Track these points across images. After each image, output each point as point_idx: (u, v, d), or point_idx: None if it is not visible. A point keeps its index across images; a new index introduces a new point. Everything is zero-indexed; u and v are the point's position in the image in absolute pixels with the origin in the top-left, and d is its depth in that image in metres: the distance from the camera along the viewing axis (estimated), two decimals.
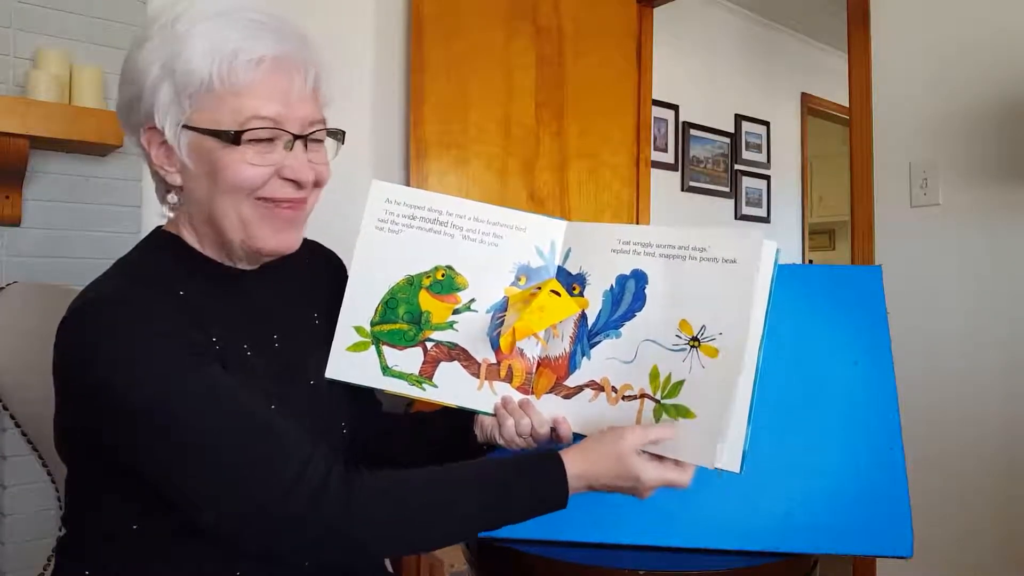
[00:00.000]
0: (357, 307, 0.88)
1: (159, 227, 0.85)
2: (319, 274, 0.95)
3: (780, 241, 0.83)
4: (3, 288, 1.05)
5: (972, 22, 1.87)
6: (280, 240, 0.81)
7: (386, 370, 0.87)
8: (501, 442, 0.87)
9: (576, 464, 0.76)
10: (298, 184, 0.80)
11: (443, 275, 0.87)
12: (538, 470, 0.76)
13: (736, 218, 3.80)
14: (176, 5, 0.76)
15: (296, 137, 0.78)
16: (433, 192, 0.89)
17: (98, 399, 0.70)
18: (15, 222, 1.65)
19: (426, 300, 0.87)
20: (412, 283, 0.87)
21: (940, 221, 1.93)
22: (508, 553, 0.92)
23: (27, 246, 1.68)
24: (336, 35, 2.30)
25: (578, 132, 2.62)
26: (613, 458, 0.77)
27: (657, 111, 3.21)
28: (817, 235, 5.66)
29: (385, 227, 0.88)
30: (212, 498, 0.69)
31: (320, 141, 0.82)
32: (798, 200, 4.19)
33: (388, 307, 0.87)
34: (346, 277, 0.95)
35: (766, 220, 3.94)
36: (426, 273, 0.87)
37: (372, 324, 0.87)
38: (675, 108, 3.51)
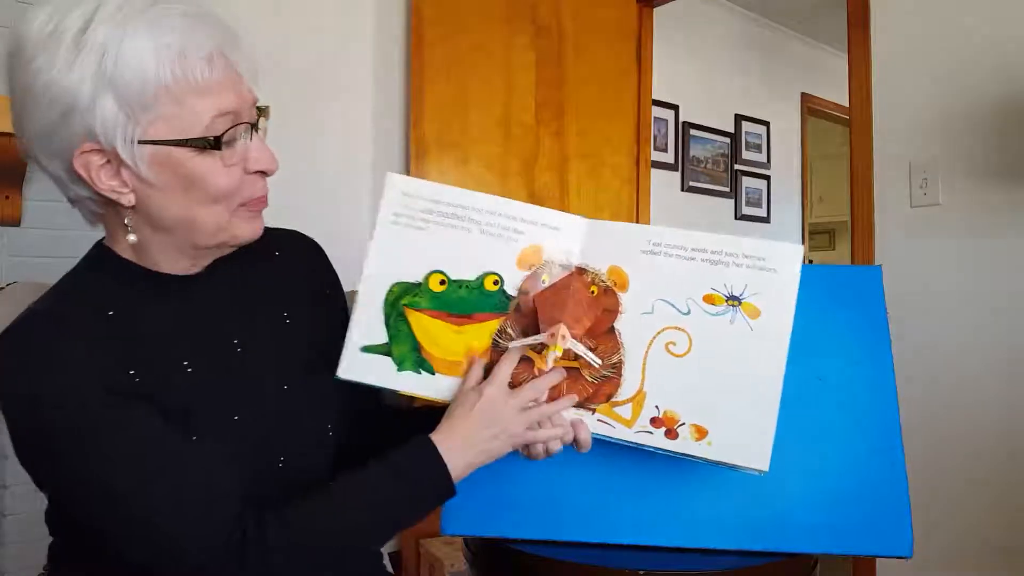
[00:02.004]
0: (372, 304, 0.84)
1: (101, 240, 0.80)
2: (292, 268, 0.90)
3: (780, 241, 0.83)
4: (3, 288, 1.05)
5: (972, 22, 1.87)
6: (253, 229, 0.78)
7: (400, 366, 0.84)
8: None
9: (454, 452, 0.77)
10: (264, 173, 0.76)
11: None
12: (418, 469, 0.76)
13: (736, 218, 3.80)
14: (70, 14, 0.67)
15: (252, 125, 0.74)
16: (450, 186, 0.85)
17: (15, 427, 0.68)
18: (15, 222, 1.65)
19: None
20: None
21: (940, 221, 1.93)
22: (508, 553, 0.92)
23: (27, 246, 1.69)
24: (336, 35, 2.30)
25: (578, 132, 2.62)
26: (478, 417, 0.78)
27: (657, 111, 3.21)
28: (817, 235, 5.67)
29: (402, 221, 0.84)
30: (122, 545, 0.68)
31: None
32: (798, 200, 4.19)
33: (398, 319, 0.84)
34: (326, 260, 0.93)
35: (766, 220, 3.94)
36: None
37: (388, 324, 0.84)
38: (675, 108, 3.51)
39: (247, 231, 0.77)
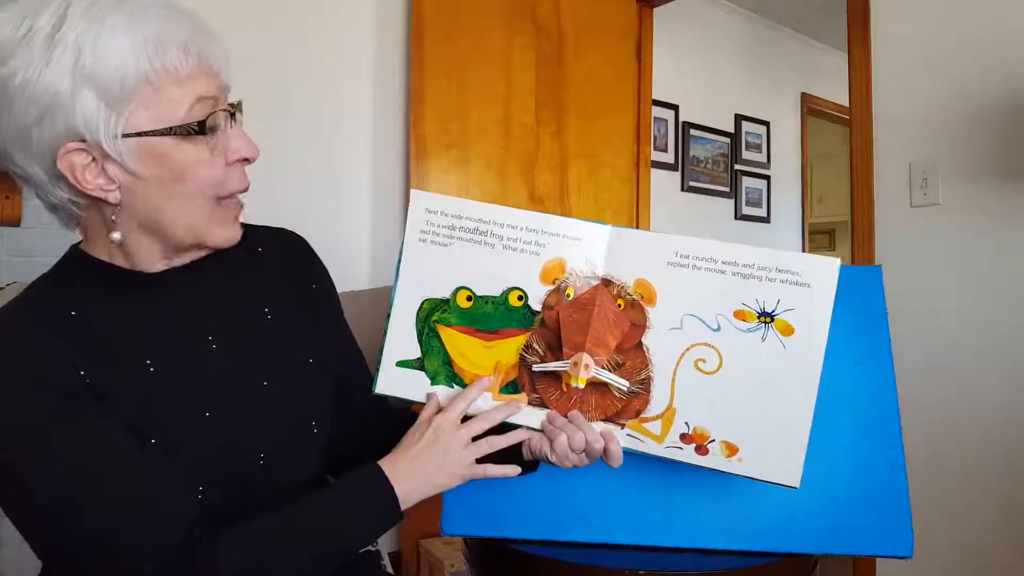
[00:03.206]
0: (406, 320, 0.85)
1: (76, 245, 0.79)
2: (276, 265, 0.88)
3: (780, 241, 0.83)
4: (3, 288, 1.06)
5: (972, 22, 1.87)
6: (231, 233, 0.77)
7: (434, 380, 0.84)
8: (553, 459, 0.82)
9: (400, 479, 0.77)
10: (247, 160, 0.76)
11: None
12: (368, 495, 0.77)
13: (736, 218, 3.80)
14: (41, 15, 0.66)
15: (231, 114, 0.74)
16: (472, 200, 0.85)
17: None
18: (15, 222, 1.65)
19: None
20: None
21: (940, 221, 1.93)
22: (508, 553, 0.92)
23: (27, 246, 1.69)
24: (336, 35, 2.30)
25: (578, 132, 2.62)
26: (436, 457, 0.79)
27: (657, 111, 3.21)
28: (817, 235, 5.66)
29: (427, 238, 0.84)
30: (67, 556, 0.69)
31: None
32: (798, 200, 4.19)
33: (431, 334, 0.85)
34: (313, 257, 0.92)
35: (766, 220, 3.94)
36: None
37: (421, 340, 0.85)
38: (675, 108, 3.51)
39: (223, 235, 0.76)
